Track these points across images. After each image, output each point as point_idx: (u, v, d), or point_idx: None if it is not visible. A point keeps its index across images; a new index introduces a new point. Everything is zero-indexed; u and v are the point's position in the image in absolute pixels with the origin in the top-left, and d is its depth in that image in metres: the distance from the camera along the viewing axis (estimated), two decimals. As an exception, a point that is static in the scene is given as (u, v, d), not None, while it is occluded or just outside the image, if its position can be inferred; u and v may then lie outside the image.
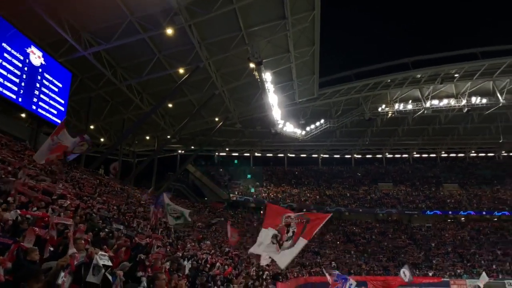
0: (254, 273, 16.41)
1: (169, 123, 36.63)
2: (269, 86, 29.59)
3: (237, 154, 53.84)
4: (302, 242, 8.58)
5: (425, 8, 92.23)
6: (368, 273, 34.72)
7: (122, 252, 7.25)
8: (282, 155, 53.97)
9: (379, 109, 42.11)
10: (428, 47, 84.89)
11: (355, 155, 54.77)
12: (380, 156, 55.40)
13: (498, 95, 37.77)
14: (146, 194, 26.51)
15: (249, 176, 51.00)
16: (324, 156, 54.84)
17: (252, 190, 47.96)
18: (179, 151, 49.08)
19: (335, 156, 55.14)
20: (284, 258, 8.70)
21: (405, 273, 25.19)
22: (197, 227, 29.68)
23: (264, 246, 9.05)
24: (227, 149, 51.95)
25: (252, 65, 26.43)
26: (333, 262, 36.29)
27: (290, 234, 8.67)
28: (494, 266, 35.74)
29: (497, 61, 35.76)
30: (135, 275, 6.57)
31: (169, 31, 22.28)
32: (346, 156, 54.92)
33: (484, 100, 38.65)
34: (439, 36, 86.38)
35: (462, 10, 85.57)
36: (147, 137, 40.53)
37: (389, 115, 42.79)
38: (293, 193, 47.96)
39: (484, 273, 28.70)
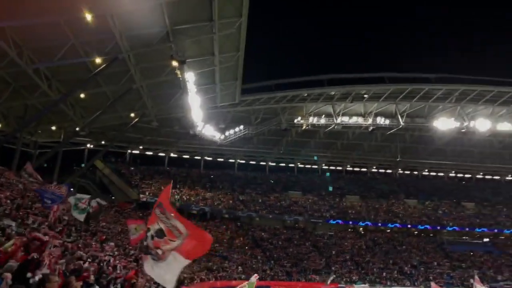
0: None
1: (79, 114, 34.07)
2: (191, 87, 29.16)
3: (151, 153, 52.10)
4: (181, 260, 7.42)
5: (348, 29, 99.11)
6: (272, 278, 35.74)
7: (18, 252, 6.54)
8: (199, 157, 53.54)
9: (295, 121, 43.97)
10: (344, 66, 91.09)
11: (270, 163, 56.43)
12: (292, 165, 57.77)
13: (399, 117, 41.72)
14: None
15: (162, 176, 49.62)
16: (241, 161, 55.63)
17: (164, 191, 46.65)
18: (88, 145, 46.03)
19: (250, 162, 56.25)
20: (162, 274, 7.51)
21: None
22: (101, 228, 27.97)
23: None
24: (141, 147, 50.01)
25: (175, 63, 25.81)
26: (239, 267, 36.77)
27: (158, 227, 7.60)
28: (384, 274, 39.20)
29: (401, 86, 39.63)
30: (24, 277, 5.95)
31: (88, 17, 20.83)
32: (261, 163, 56.33)
33: (387, 121, 42.42)
34: (355, 57, 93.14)
35: (378, 37, 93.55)
36: (53, 128, 37.23)
37: (304, 127, 44.91)
38: (206, 196, 47.73)
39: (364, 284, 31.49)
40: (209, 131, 41.03)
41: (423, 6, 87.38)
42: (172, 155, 52.38)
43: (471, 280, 34.67)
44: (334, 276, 34.79)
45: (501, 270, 41.86)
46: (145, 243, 8.07)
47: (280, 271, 37.76)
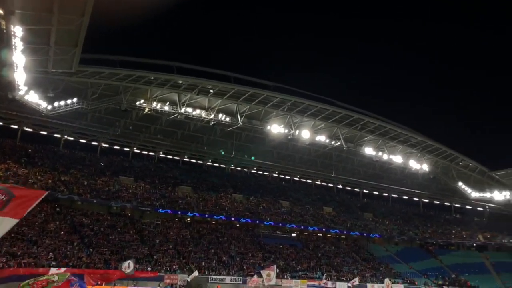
0: None
1: None
2: (17, 43, 24.85)
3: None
4: (8, 222, 7.29)
5: (210, 25, 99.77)
6: (88, 266, 33.32)
7: None
8: (16, 126, 46.15)
9: (137, 103, 41.94)
10: (195, 58, 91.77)
11: (103, 144, 52.62)
12: (128, 149, 55.15)
13: (239, 117, 44.18)
14: None
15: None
16: (69, 138, 50.28)
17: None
18: None
19: (80, 140, 51.35)
20: None
21: (129, 265, 25.65)
22: None
23: None
24: None
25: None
26: (50, 253, 33.08)
27: None
28: (203, 263, 40.84)
29: (244, 88, 42.00)
30: None
31: None
32: (93, 143, 52.10)
33: (228, 119, 44.40)
34: (206, 52, 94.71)
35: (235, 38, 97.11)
36: None
37: (146, 111, 43.29)
38: (19, 173, 41.43)
39: (196, 271, 32.72)
40: (34, 98, 35.53)
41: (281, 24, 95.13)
42: (-21, 119, 43.80)
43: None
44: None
45: (301, 261, 48.52)
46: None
47: (97, 259, 35.42)
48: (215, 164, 62.72)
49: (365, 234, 60.54)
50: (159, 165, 57.31)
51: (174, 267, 38.56)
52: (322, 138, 47.66)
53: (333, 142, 48.71)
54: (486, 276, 57.37)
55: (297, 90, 44.35)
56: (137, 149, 55.66)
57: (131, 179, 50.29)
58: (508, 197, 58.48)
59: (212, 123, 44.58)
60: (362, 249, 58.43)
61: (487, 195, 59.84)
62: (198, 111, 43.76)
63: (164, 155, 58.30)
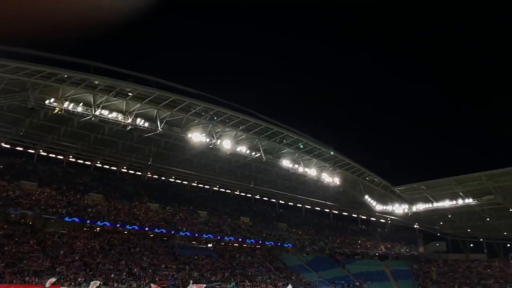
0: None
1: None
2: None
3: None
4: None
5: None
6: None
7: None
8: None
9: (47, 102, 38.48)
10: (116, 59, 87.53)
11: (3, 144, 47.48)
12: (32, 151, 50.46)
13: (159, 123, 42.88)
14: None
15: None
16: (-40, 135, 44.51)
17: None
18: None
19: (-26, 139, 45.75)
20: None
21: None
22: None
23: None
24: None
25: None
26: None
27: None
28: (112, 275, 38.54)
29: (166, 94, 40.90)
30: None
31: None
32: (-9, 142, 46.70)
33: (147, 124, 42.76)
34: (126, 53, 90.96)
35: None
36: None
37: (56, 111, 39.92)
38: None
39: (97, 281, 30.56)
40: None
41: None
42: None
43: (191, 282, 38.69)
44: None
45: (216, 272, 48.18)
46: None
47: (-12, 273, 31.55)
48: (130, 171, 59.98)
49: (279, 244, 62.24)
50: (67, 170, 53.24)
51: (79, 279, 35.79)
52: (243, 149, 48.30)
53: (253, 153, 49.61)
54: (386, 283, 62.27)
55: (221, 100, 44.46)
56: (43, 151, 51.16)
57: (34, 184, 45.98)
58: (406, 210, 64.53)
59: (129, 127, 42.62)
60: (276, 258, 59.86)
61: (389, 208, 65.40)
62: (114, 114, 41.37)
63: (74, 159, 54.33)
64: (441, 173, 61.39)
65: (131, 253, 44.61)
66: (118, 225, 47.44)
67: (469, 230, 70.52)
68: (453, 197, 59.48)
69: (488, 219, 62.92)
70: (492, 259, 66.19)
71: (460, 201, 58.75)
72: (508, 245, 68.25)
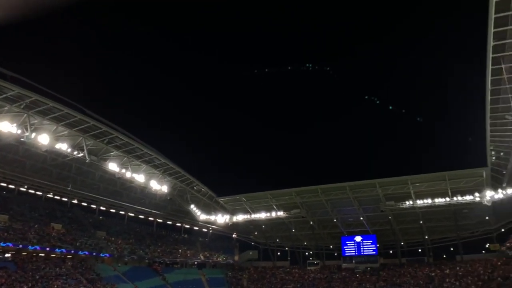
0: None
1: None
2: None
3: None
4: None
5: None
6: None
7: None
8: None
9: None
10: None
11: None
12: None
13: None
14: None
15: None
16: None
17: None
18: None
19: None
20: None
21: None
22: None
23: None
24: None
25: None
26: None
27: None
28: None
29: None
30: None
31: None
32: None
33: None
34: None
35: None
36: None
37: None
38: None
39: None
40: None
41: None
42: None
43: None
44: None
45: (13, 286, 41.28)
46: None
47: None
48: None
49: (94, 254, 57.43)
50: None
51: None
52: (63, 146, 43.09)
53: (75, 153, 44.76)
54: (202, 291, 64.27)
55: (43, 88, 38.89)
56: None
57: None
58: (227, 220, 68.39)
59: None
60: (89, 269, 54.92)
61: (213, 217, 68.18)
62: None
63: None
64: (261, 188, 67.45)
65: None
66: None
67: (278, 240, 79.06)
68: (268, 209, 66.20)
69: (293, 230, 71.91)
70: (293, 266, 75.49)
71: (273, 213, 65.67)
72: (307, 253, 79.24)
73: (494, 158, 47.89)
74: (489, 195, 51.03)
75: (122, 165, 50.56)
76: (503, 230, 63.12)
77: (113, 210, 70.02)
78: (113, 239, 63.88)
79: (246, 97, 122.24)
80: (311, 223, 68.68)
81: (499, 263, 56.57)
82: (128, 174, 50.72)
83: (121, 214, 71.39)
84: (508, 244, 58.13)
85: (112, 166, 48.91)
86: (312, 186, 61.04)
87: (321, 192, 60.31)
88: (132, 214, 72.08)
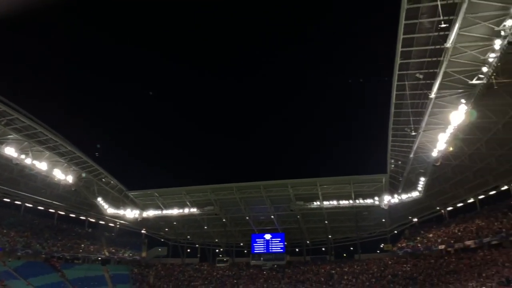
0: None
1: None
2: None
3: None
4: None
5: None
6: None
7: None
8: None
9: None
10: None
11: None
12: None
13: None
14: None
15: None
16: None
17: None
18: None
19: None
20: None
21: None
22: None
23: None
24: None
25: None
26: None
27: None
28: None
29: None
30: None
31: None
32: None
33: None
34: None
35: None
36: None
37: None
38: None
39: None
40: None
41: None
42: None
43: None
44: None
45: None
46: None
47: None
48: None
49: (-20, 247, 51.37)
50: None
51: None
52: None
53: (-36, 132, 39.63)
54: (104, 288, 61.03)
55: None
56: None
57: None
58: (137, 215, 65.79)
59: None
60: (-28, 265, 49.00)
61: (121, 212, 65.06)
62: None
63: None
64: (175, 183, 65.85)
65: None
66: None
67: (188, 237, 78.20)
68: (181, 205, 65.13)
69: (205, 227, 71.79)
70: (202, 262, 75.28)
71: (186, 210, 64.82)
72: (217, 250, 79.57)
73: (393, 166, 52.82)
74: (387, 199, 56.21)
75: (22, 151, 45.91)
76: (395, 232, 70.13)
77: (8, 200, 63.09)
78: (5, 231, 57.75)
79: (165, 88, 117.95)
80: (223, 220, 69.15)
81: (390, 262, 62.47)
82: (28, 161, 46.23)
83: (17, 204, 64.65)
84: (399, 245, 64.58)
85: (9, 151, 44.11)
86: (228, 183, 61.58)
87: (236, 190, 61.08)
88: (30, 205, 65.70)
